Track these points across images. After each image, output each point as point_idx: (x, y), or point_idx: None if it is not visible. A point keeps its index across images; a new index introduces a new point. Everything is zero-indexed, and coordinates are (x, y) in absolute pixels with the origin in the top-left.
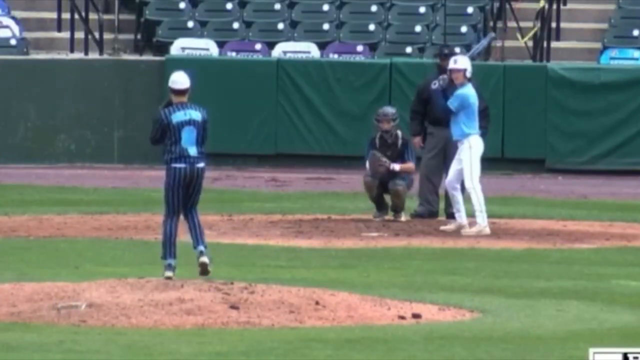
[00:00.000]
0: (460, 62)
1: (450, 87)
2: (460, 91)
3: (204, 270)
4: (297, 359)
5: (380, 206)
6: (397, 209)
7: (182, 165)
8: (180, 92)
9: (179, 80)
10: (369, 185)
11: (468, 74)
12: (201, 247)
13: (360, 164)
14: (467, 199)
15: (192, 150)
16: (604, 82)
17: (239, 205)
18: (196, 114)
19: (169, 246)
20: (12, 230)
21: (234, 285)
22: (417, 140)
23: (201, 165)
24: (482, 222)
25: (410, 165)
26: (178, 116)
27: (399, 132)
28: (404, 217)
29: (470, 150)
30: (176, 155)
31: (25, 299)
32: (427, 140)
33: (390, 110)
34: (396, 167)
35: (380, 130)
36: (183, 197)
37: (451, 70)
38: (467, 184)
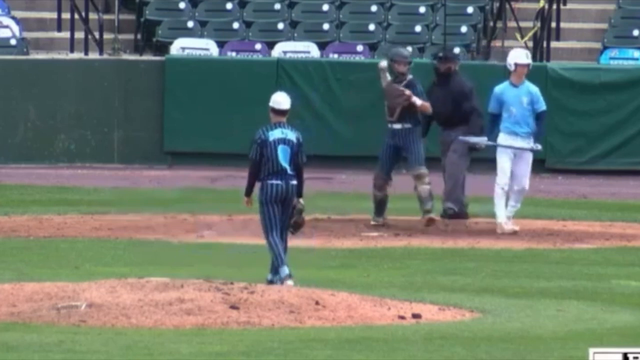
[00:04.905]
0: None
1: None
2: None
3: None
4: (297, 359)
5: (380, 210)
6: (424, 200)
7: (278, 182)
8: (280, 112)
9: (280, 100)
10: (379, 185)
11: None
12: (286, 268)
13: (360, 164)
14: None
15: (288, 168)
16: (604, 82)
17: (239, 205)
18: (292, 134)
19: (279, 257)
20: (12, 230)
21: (234, 285)
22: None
23: (294, 182)
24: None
25: (427, 105)
26: (275, 134)
27: (411, 77)
28: (434, 215)
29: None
30: (272, 172)
31: (25, 299)
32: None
33: (406, 52)
34: (417, 101)
35: (395, 72)
36: (279, 213)
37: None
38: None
